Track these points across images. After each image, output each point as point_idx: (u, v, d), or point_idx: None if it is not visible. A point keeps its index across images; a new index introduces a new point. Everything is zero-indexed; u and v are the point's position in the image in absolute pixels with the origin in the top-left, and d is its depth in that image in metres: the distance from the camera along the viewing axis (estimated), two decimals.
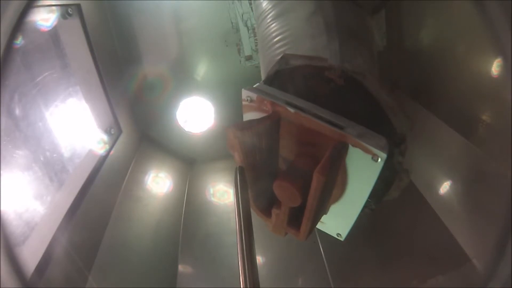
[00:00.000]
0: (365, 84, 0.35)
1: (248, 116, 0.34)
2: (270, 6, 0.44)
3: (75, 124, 0.52)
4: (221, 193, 0.68)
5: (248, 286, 0.21)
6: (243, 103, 0.34)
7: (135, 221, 0.56)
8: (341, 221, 0.35)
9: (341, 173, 0.31)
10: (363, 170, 0.31)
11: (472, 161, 0.39)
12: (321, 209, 0.32)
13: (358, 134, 0.30)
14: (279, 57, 0.38)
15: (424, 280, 0.39)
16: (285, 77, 0.37)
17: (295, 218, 0.32)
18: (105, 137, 0.57)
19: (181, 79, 0.72)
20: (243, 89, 0.33)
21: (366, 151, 0.29)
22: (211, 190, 0.69)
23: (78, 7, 0.51)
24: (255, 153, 0.31)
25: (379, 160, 0.29)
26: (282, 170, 0.34)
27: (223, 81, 0.72)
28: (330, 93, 0.35)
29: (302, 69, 0.36)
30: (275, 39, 0.42)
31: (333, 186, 0.32)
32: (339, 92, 0.34)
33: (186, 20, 0.68)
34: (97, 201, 0.47)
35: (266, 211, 0.34)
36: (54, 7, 0.47)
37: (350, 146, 0.30)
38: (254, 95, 0.33)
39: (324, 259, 0.51)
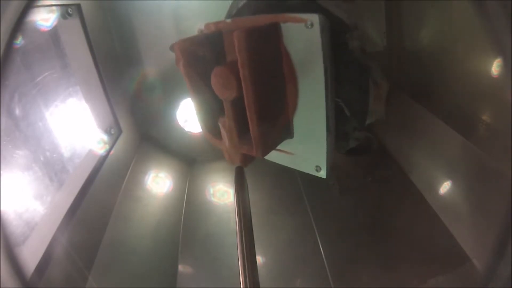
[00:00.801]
0: None
1: None
2: None
3: (75, 124, 0.52)
4: (221, 193, 0.68)
5: (248, 286, 0.21)
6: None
7: (135, 221, 0.56)
8: (313, 143, 0.31)
9: (286, 64, 0.30)
10: (304, 45, 0.29)
11: (472, 161, 0.39)
12: (270, 107, 0.29)
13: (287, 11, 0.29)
14: None
15: (424, 280, 0.39)
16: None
17: (248, 135, 0.29)
18: (105, 137, 0.57)
19: (181, 79, 0.72)
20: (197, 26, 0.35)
21: (297, 20, 0.28)
22: (211, 190, 0.69)
23: (78, 7, 0.51)
24: (199, 63, 0.30)
25: (314, 24, 0.28)
26: None
27: None
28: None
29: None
30: None
31: (272, 72, 0.30)
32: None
33: (186, 20, 0.68)
34: (97, 201, 0.47)
35: (217, 133, 0.32)
36: (54, 7, 0.47)
37: (283, 27, 0.29)
38: (202, 25, 0.35)
39: (324, 259, 0.51)
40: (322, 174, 0.33)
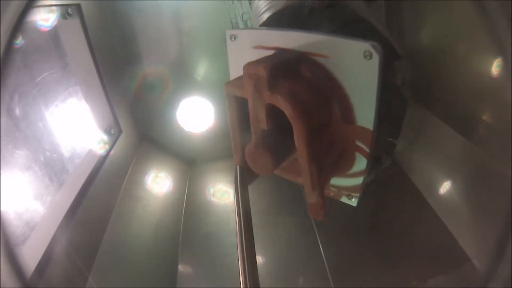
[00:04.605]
0: (351, 7, 0.32)
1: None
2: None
3: (75, 124, 0.52)
4: (221, 193, 0.68)
5: (248, 286, 0.21)
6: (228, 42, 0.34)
7: (135, 221, 0.56)
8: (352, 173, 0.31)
9: (342, 99, 0.27)
10: (358, 78, 0.26)
11: (472, 161, 0.39)
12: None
13: (340, 35, 0.27)
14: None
15: (424, 280, 0.39)
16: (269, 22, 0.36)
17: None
18: (105, 137, 0.57)
19: (181, 79, 0.72)
20: (227, 30, 0.33)
21: (353, 47, 0.26)
22: (211, 190, 0.69)
23: (78, 7, 0.51)
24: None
25: (373, 55, 0.24)
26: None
27: (223, 81, 0.72)
28: (314, 20, 0.32)
29: (282, 11, 0.35)
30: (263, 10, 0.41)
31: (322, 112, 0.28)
32: (322, 16, 0.32)
33: (186, 20, 0.68)
34: (97, 201, 0.47)
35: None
36: (54, 7, 0.47)
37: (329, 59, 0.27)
38: (238, 32, 0.32)
39: (324, 259, 0.51)
40: (353, 202, 0.33)
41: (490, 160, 0.36)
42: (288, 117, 0.25)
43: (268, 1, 0.44)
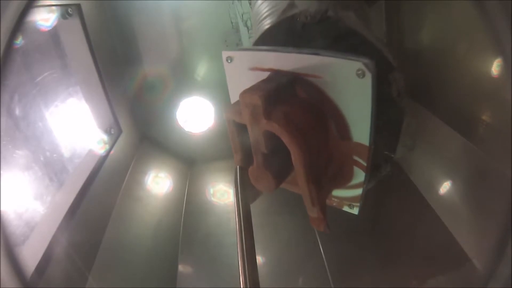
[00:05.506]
0: (344, 20, 0.32)
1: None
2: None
3: (75, 124, 0.52)
4: (221, 193, 0.68)
5: (248, 286, 0.21)
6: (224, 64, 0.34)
7: (135, 221, 0.56)
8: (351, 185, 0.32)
9: (338, 118, 0.28)
10: (351, 96, 0.27)
11: (472, 161, 0.39)
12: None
13: (332, 54, 0.27)
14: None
15: (424, 280, 0.39)
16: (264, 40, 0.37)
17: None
18: (105, 137, 0.57)
19: (181, 79, 0.72)
20: (223, 51, 0.33)
21: (345, 67, 0.26)
22: (211, 190, 0.69)
23: (78, 7, 0.51)
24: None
25: (366, 73, 0.25)
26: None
27: (223, 81, 0.72)
28: (308, 34, 0.33)
29: (277, 25, 0.36)
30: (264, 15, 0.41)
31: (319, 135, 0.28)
32: (315, 30, 0.32)
33: (186, 20, 0.68)
34: (97, 201, 0.47)
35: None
36: (54, 7, 0.47)
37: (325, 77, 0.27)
38: (234, 54, 0.33)
39: (324, 259, 0.51)
40: (355, 211, 0.35)
41: (490, 160, 0.36)
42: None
43: (268, 5, 0.44)
